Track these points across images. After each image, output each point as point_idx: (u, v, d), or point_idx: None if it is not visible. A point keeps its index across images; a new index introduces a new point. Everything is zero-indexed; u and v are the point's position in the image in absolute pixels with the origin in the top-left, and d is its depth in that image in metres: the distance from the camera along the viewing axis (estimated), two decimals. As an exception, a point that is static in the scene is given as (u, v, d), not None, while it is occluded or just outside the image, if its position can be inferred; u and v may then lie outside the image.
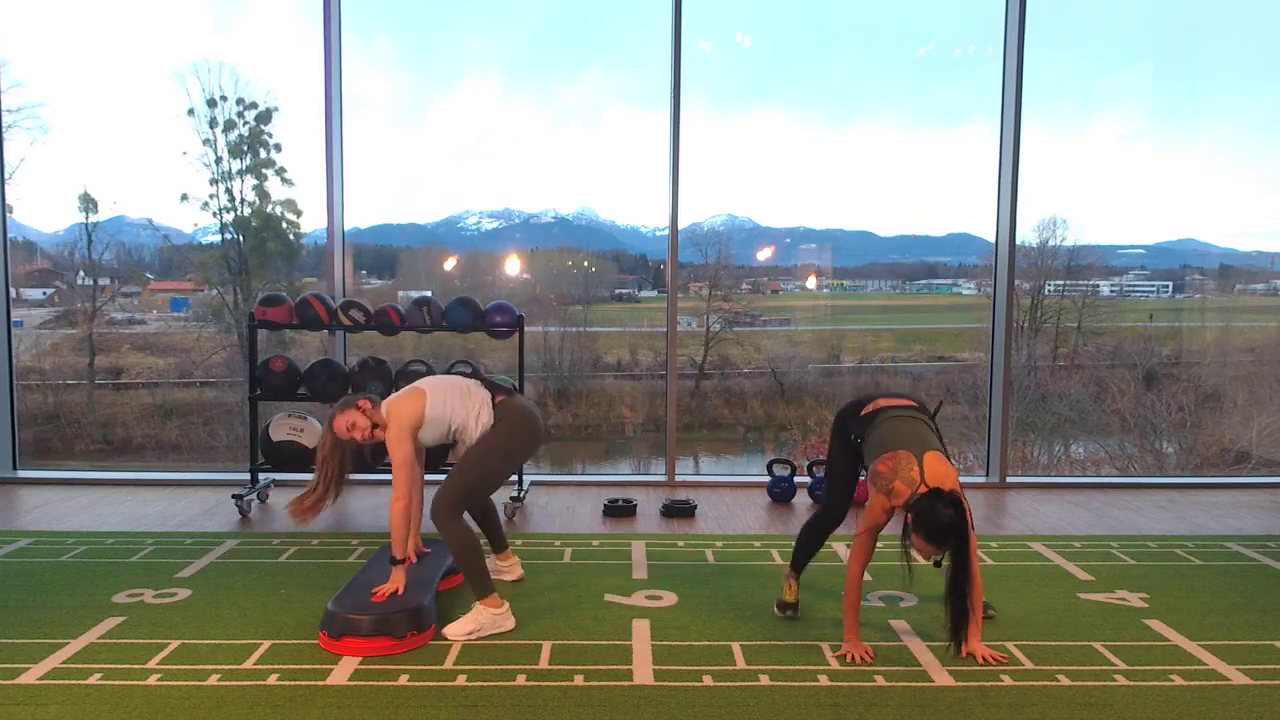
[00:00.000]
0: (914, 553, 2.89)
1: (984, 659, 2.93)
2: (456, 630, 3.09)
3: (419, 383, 3.29)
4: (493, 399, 3.28)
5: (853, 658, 2.95)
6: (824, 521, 3.34)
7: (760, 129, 11.00)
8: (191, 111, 9.29)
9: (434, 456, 4.64)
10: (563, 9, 10.39)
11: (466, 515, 3.28)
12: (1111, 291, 11.17)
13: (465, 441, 3.28)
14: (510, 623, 3.17)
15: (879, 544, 4.24)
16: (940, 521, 2.77)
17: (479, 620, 3.12)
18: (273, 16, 9.52)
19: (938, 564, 2.92)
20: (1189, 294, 10.70)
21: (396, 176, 9.56)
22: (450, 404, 3.22)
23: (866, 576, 3.75)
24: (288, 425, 4.76)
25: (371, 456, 3.55)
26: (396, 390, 4.86)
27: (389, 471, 4.33)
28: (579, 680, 2.77)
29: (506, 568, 3.66)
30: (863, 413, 3.19)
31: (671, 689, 2.72)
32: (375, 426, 3.16)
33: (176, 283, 10.42)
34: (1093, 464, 9.86)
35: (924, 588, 3.65)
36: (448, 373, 4.85)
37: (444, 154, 10.18)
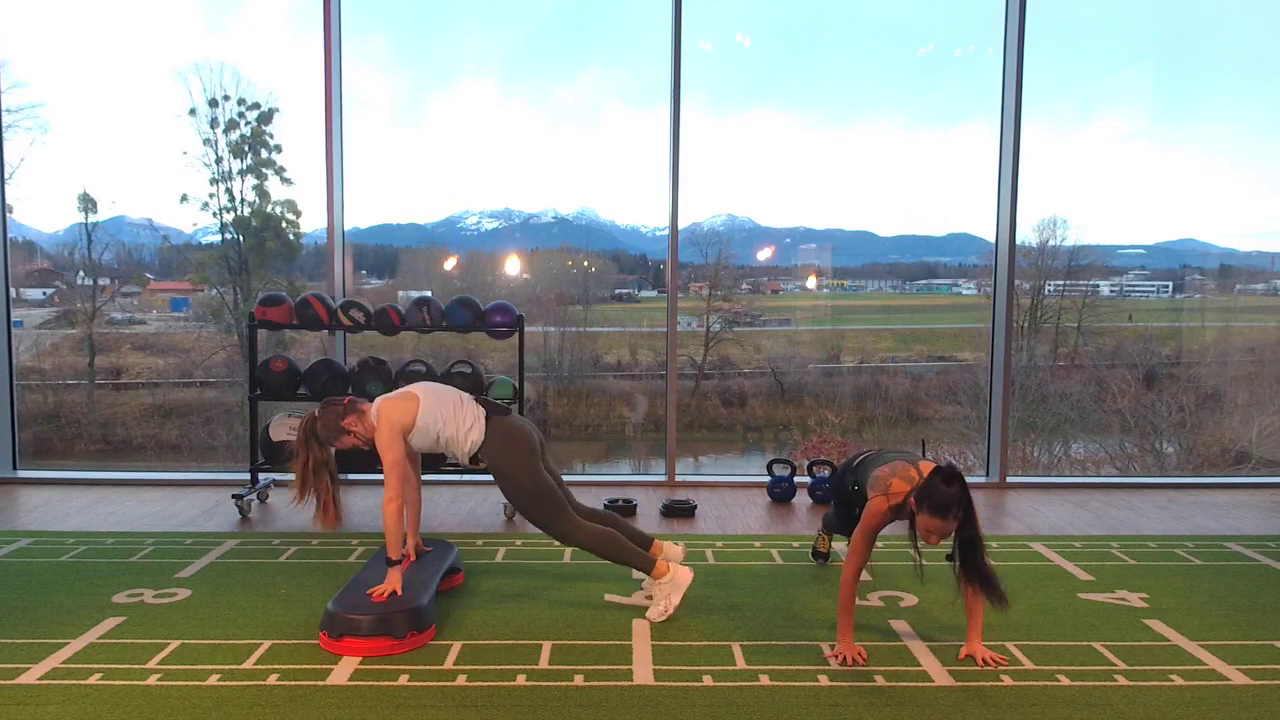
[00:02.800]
0: (921, 539, 2.88)
1: (984, 661, 2.93)
2: (653, 614, 3.22)
3: (413, 387, 3.31)
4: (486, 417, 3.31)
5: (846, 659, 2.95)
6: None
7: (760, 128, 10.99)
8: (193, 111, 9.29)
9: (436, 456, 4.64)
10: (558, 8, 10.39)
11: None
12: (1111, 291, 11.16)
13: (454, 455, 3.31)
14: (686, 575, 3.27)
15: (879, 544, 4.26)
16: (942, 492, 2.78)
17: (659, 594, 3.23)
18: (272, 17, 9.52)
19: (949, 558, 2.92)
20: (1189, 294, 10.70)
21: (396, 176, 9.56)
22: (442, 415, 3.24)
23: (866, 576, 3.77)
24: (288, 425, 4.76)
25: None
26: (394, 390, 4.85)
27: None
28: (579, 680, 2.77)
29: (669, 557, 3.52)
30: (855, 463, 3.36)
31: (671, 689, 2.72)
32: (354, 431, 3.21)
33: (176, 283, 10.41)
34: (1093, 464, 9.86)
35: (923, 588, 3.65)
36: (448, 372, 4.85)
37: (443, 154, 10.17)
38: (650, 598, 3.33)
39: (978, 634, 3.00)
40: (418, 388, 3.31)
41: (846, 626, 3.03)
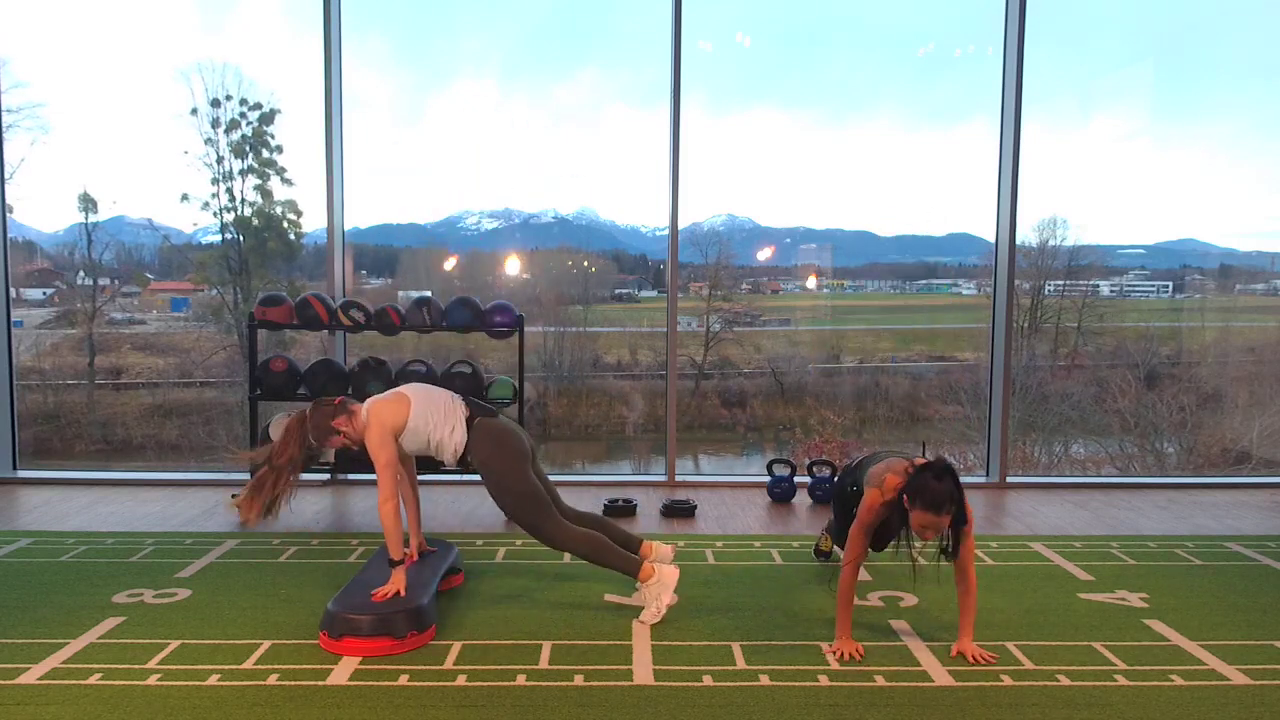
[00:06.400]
0: (916, 536, 2.90)
1: (974, 659, 2.94)
2: (645, 616, 3.21)
3: (404, 388, 3.32)
4: (469, 418, 3.31)
5: (844, 655, 2.97)
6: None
7: (760, 128, 10.99)
8: (195, 111, 9.29)
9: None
10: (558, 8, 10.38)
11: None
12: (1111, 291, 11.16)
13: (442, 457, 3.32)
14: (673, 575, 3.25)
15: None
16: (933, 488, 2.80)
17: (650, 597, 3.22)
18: (271, 17, 9.53)
19: (943, 550, 2.93)
20: (1189, 294, 10.69)
21: (396, 176, 9.56)
22: (432, 418, 3.25)
23: (866, 575, 3.77)
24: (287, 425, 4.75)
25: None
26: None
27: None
28: (579, 680, 2.77)
29: (652, 555, 3.52)
30: (853, 465, 3.40)
31: (671, 689, 2.72)
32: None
33: (176, 283, 10.41)
34: (1093, 464, 9.86)
35: (923, 588, 3.65)
36: (448, 372, 4.85)
37: (443, 154, 10.17)
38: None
39: (969, 631, 3.01)
40: (409, 389, 3.31)
41: (845, 622, 3.04)
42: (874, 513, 3.00)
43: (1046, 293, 10.95)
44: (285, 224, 9.61)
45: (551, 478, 5.79)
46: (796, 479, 5.20)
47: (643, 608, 3.29)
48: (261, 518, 3.21)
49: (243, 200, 9.53)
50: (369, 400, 3.28)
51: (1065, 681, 2.80)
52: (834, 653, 2.98)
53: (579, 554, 3.29)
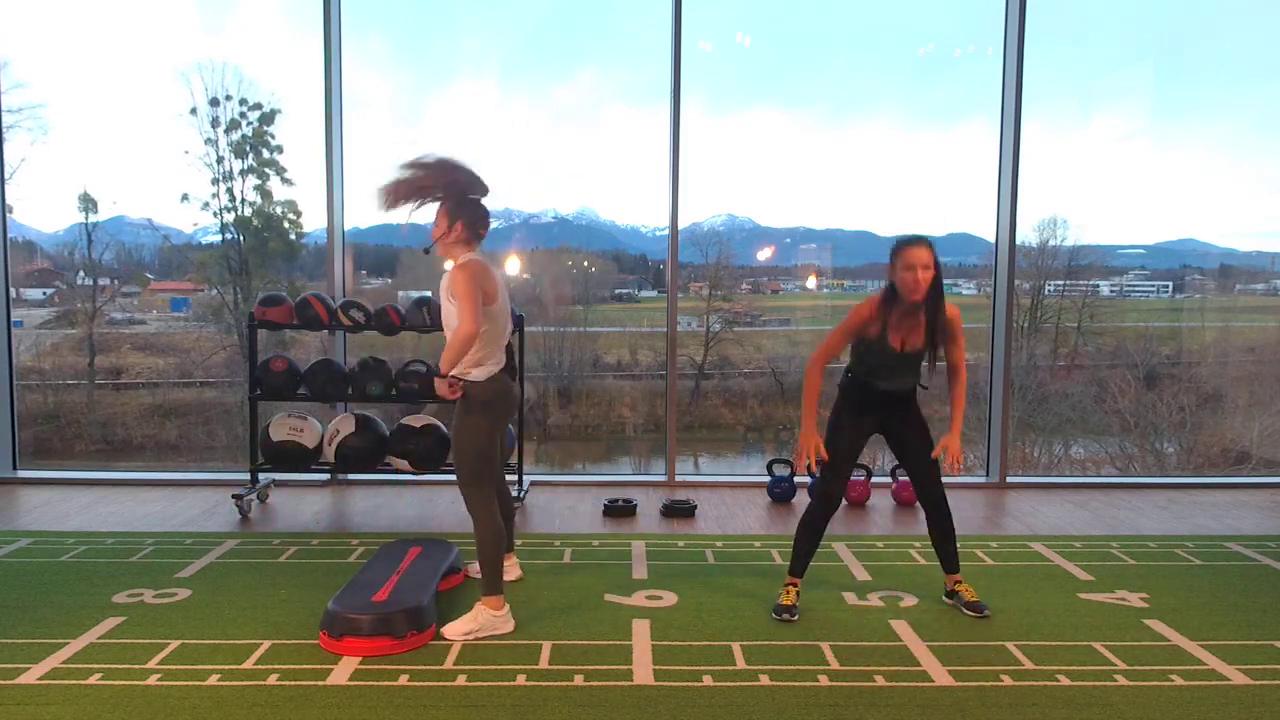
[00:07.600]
0: (906, 295, 3.04)
1: (956, 458, 3.13)
2: (455, 630, 3.10)
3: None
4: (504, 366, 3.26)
5: (808, 454, 3.10)
6: (823, 505, 3.32)
7: (760, 128, 10.99)
8: (194, 111, 9.29)
9: (436, 456, 4.64)
10: (557, 8, 10.38)
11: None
12: (1111, 291, 11.16)
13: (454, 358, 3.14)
14: (509, 625, 3.17)
15: (879, 543, 4.26)
16: (910, 240, 3.01)
17: (479, 620, 3.12)
18: (271, 17, 9.53)
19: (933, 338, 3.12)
20: (1189, 294, 10.70)
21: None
22: (506, 326, 3.26)
23: (865, 575, 3.77)
24: (288, 425, 4.76)
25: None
26: (394, 390, 4.83)
27: (390, 470, 4.31)
28: (579, 680, 2.77)
29: (506, 567, 3.66)
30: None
31: (671, 689, 2.72)
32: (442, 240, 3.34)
33: (176, 283, 10.41)
34: (1093, 464, 9.86)
35: (923, 588, 3.66)
36: None
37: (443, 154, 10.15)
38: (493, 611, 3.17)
39: (957, 427, 3.22)
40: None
41: (811, 415, 3.16)
42: (859, 318, 3.12)
43: (1046, 293, 10.95)
44: (285, 224, 9.61)
45: (551, 478, 5.81)
46: (796, 479, 5.20)
47: (647, 607, 3.28)
48: (393, 206, 3.42)
49: (243, 200, 9.53)
50: (471, 255, 3.26)
51: (1065, 681, 2.80)
52: (800, 454, 3.12)
53: (477, 536, 3.13)
